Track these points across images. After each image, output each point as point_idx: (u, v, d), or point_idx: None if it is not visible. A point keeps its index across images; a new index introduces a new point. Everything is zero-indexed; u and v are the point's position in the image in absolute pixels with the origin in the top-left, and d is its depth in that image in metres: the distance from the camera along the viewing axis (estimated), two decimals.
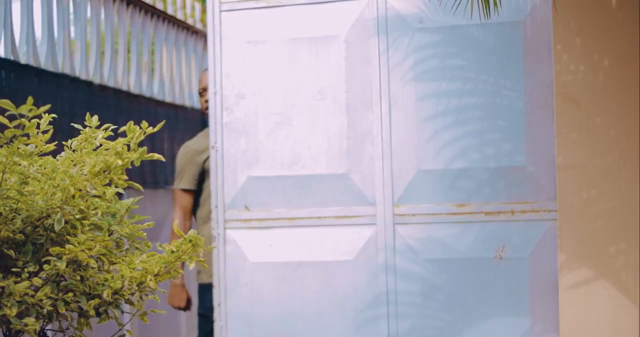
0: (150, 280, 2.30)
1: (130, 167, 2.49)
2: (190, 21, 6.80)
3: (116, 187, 2.47)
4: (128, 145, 2.48)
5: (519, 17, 3.73)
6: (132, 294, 2.33)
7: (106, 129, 2.56)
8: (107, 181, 2.43)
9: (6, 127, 2.29)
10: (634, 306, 3.32)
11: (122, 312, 2.58)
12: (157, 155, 2.54)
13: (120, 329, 2.52)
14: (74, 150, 2.53)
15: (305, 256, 3.95)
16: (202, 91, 4.71)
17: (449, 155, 3.78)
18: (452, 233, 3.77)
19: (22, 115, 2.28)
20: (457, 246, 3.76)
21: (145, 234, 2.71)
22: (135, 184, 2.50)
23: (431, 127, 3.80)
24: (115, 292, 2.35)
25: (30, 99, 2.30)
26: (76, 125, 2.59)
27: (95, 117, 2.62)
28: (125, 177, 2.51)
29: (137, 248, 2.59)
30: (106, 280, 2.35)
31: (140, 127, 2.49)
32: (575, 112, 3.40)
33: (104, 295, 2.31)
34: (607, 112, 3.36)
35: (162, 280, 2.35)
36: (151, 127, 2.64)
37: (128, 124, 2.52)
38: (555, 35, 3.48)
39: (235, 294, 4.01)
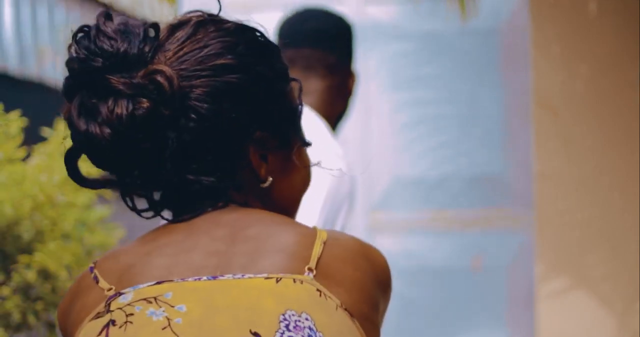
0: None
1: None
2: None
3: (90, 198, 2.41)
4: None
5: (496, 24, 3.71)
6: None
7: None
8: (78, 189, 2.37)
9: None
10: (612, 316, 3.29)
11: None
12: None
13: None
14: (45, 157, 2.46)
15: None
16: None
17: (426, 163, 3.74)
18: (429, 241, 3.73)
19: None
20: (433, 255, 3.73)
21: (117, 242, 2.65)
22: (108, 191, 2.45)
23: (408, 135, 3.77)
24: None
25: (0, 106, 2.25)
26: (46, 131, 2.53)
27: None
28: None
29: None
30: None
31: None
32: (553, 121, 3.38)
33: None
34: (586, 120, 3.34)
35: None
36: None
37: None
38: (532, 43, 3.46)
39: None
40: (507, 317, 3.64)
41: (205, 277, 1.08)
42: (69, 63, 1.09)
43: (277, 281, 1.05)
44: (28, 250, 2.34)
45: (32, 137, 4.11)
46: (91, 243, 2.45)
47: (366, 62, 3.84)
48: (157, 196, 1.16)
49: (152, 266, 1.11)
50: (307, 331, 1.04)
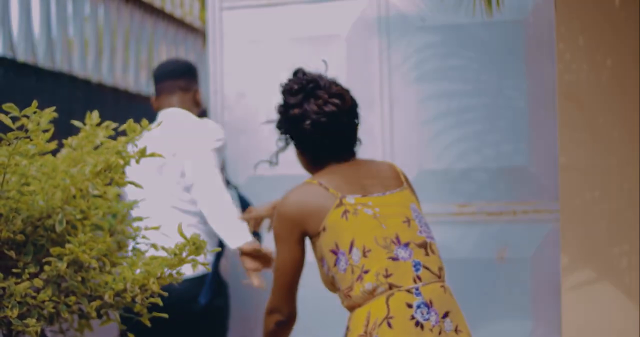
0: (153, 283, 2.27)
1: (130, 166, 2.46)
2: (189, 19, 6.77)
3: (117, 187, 2.44)
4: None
5: (521, 16, 3.71)
6: (134, 296, 2.30)
7: (107, 127, 2.53)
8: (108, 181, 2.41)
9: (6, 125, 2.26)
10: (636, 307, 3.30)
11: (124, 314, 2.55)
12: (157, 154, 2.51)
13: (122, 332, 2.49)
14: (74, 149, 2.50)
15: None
16: None
17: (451, 155, 3.75)
18: (455, 233, 3.74)
19: (25, 116, 2.25)
20: (459, 247, 3.74)
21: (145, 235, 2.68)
22: (136, 183, 2.48)
23: (433, 127, 3.78)
24: (117, 294, 2.32)
25: (34, 103, 2.28)
26: (76, 123, 2.56)
27: (96, 114, 2.59)
28: (126, 176, 2.48)
29: (137, 249, 2.56)
30: (107, 283, 2.31)
31: (141, 126, 2.46)
32: (578, 112, 3.38)
33: (106, 297, 2.28)
34: (610, 112, 3.34)
35: (165, 282, 2.32)
36: (151, 126, 2.61)
37: (128, 122, 2.49)
38: (557, 35, 3.46)
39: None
40: (532, 308, 3.65)
41: (377, 194, 2.61)
42: None
43: (401, 192, 2.64)
44: (60, 242, 2.37)
45: (62, 130, 4.15)
46: (122, 235, 2.48)
47: (391, 54, 3.85)
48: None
49: (354, 185, 2.61)
50: (418, 212, 2.63)
